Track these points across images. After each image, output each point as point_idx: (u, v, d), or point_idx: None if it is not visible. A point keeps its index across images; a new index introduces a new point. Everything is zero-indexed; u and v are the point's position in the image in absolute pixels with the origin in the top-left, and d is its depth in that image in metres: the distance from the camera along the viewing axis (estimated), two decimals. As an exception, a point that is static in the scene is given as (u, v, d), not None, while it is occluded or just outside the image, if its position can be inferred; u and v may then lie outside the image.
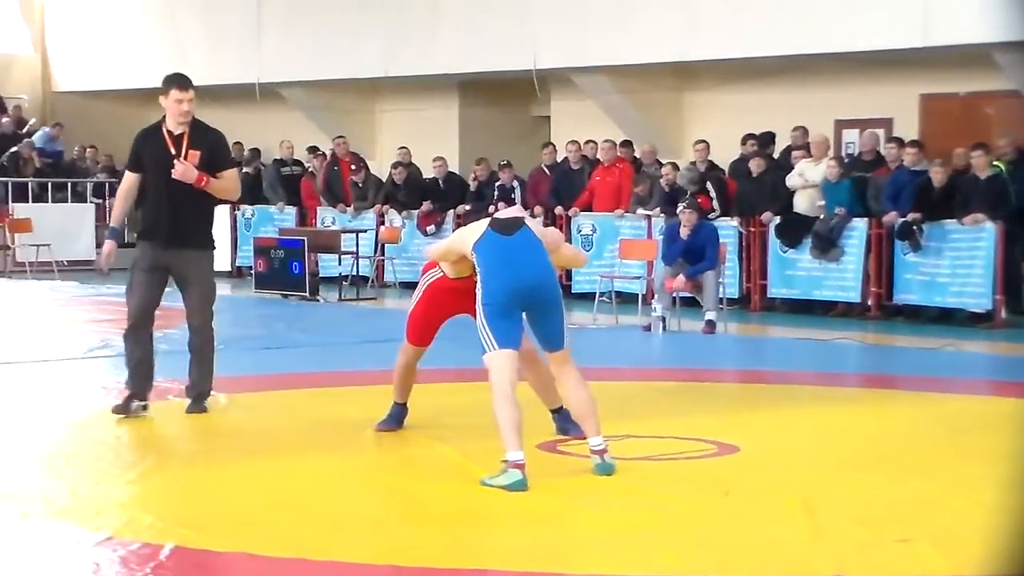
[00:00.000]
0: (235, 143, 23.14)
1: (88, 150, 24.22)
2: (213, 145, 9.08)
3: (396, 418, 8.44)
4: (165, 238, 8.76)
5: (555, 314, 7.25)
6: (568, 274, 17.83)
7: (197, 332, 9.01)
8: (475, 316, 7.26)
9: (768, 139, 17.63)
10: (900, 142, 16.16)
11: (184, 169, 8.71)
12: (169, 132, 8.96)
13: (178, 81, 9.16)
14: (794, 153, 16.78)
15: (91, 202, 23.23)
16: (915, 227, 15.07)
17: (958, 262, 15.00)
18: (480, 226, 7.30)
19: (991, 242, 14.71)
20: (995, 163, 15.24)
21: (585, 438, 7.34)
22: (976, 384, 11.29)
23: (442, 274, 7.97)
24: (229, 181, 9.00)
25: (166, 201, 8.75)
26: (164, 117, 9.10)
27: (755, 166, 16.72)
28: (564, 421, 8.06)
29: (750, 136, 17.44)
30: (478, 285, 7.21)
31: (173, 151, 8.81)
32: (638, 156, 18.50)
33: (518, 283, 7.12)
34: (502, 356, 7.04)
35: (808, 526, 6.19)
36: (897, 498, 6.80)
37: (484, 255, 7.18)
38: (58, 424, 8.86)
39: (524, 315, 7.25)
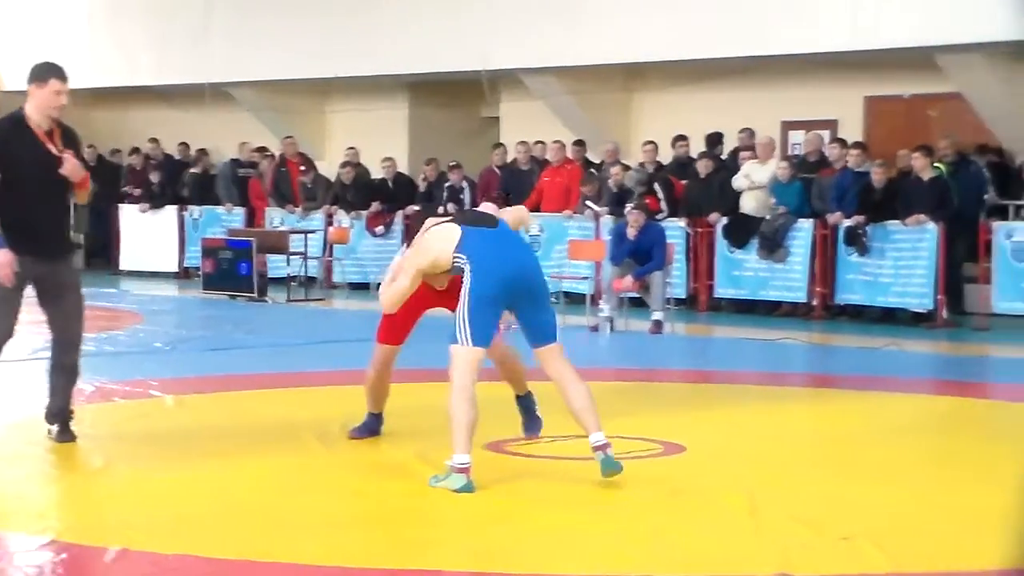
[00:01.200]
0: (181, 143, 23.11)
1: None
2: (78, 142, 8.02)
3: (370, 428, 8.20)
4: (42, 248, 7.73)
5: (546, 305, 7.23)
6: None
7: (74, 347, 8.09)
8: (452, 309, 7.23)
9: (716, 139, 17.74)
10: (843, 143, 16.32)
11: (73, 166, 7.72)
12: (38, 127, 7.80)
13: (58, 71, 7.92)
14: (741, 154, 16.90)
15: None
16: (860, 231, 15.22)
17: (901, 263, 15.16)
18: (450, 229, 7.15)
19: (933, 243, 14.88)
20: (936, 164, 15.42)
21: (535, 439, 7.40)
22: (918, 383, 11.41)
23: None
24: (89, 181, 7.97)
25: (41, 205, 7.71)
26: (22, 110, 7.89)
27: (703, 167, 16.81)
28: (528, 415, 8.08)
29: (680, 137, 17.55)
30: (466, 277, 7.05)
31: (51, 148, 7.73)
32: (590, 158, 18.56)
33: (511, 274, 7.07)
34: (473, 353, 6.99)
35: (752, 525, 6.26)
36: (839, 496, 6.88)
37: (473, 251, 7.07)
38: (1, 426, 8.80)
39: (513, 311, 7.17)
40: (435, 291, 7.75)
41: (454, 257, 7.12)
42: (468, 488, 6.80)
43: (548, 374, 7.25)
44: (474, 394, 6.97)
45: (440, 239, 7.19)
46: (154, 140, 23.10)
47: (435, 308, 7.91)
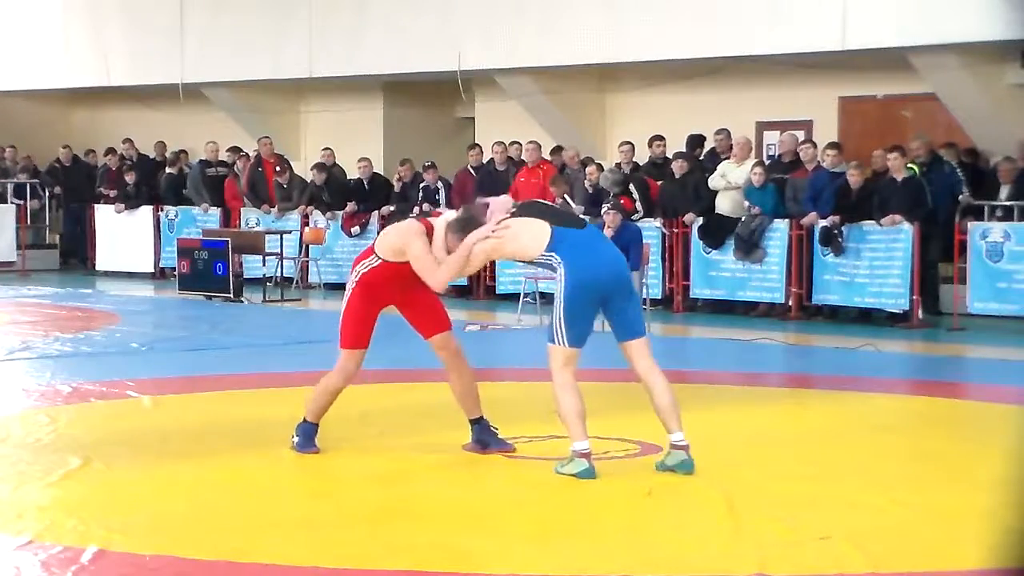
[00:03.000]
0: (158, 142, 23.04)
1: (8, 150, 23.93)
2: None
3: (311, 436, 7.93)
4: None
5: (633, 300, 7.44)
6: (492, 274, 17.89)
7: None
8: (404, 307, 7.26)
9: (697, 141, 17.76)
10: (815, 144, 16.38)
11: None
12: None
13: None
14: (722, 156, 16.94)
15: (12, 203, 22.97)
16: (836, 232, 15.27)
17: (876, 263, 15.22)
18: (542, 227, 7.23)
19: (908, 243, 14.94)
20: (909, 165, 15.48)
21: (507, 452, 7.50)
22: (893, 383, 11.46)
23: (375, 265, 7.70)
24: None
25: None
26: None
27: (678, 168, 16.84)
28: (483, 433, 7.90)
29: (657, 138, 17.58)
30: (560, 278, 7.15)
31: None
32: (566, 160, 18.58)
33: (604, 276, 7.22)
34: (570, 354, 7.23)
35: (730, 525, 6.28)
36: (817, 496, 6.90)
37: (566, 253, 7.18)
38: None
39: (603, 308, 7.30)
40: (392, 289, 7.72)
41: (542, 255, 7.26)
42: (589, 473, 7.04)
43: (635, 369, 7.41)
44: (576, 385, 7.20)
45: (531, 235, 7.30)
46: (128, 141, 23.02)
47: (391, 305, 7.87)
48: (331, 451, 7.96)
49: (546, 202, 7.54)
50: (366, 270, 7.76)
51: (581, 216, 7.54)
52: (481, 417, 7.92)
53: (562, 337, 7.21)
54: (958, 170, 15.85)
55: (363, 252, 7.96)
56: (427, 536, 6.16)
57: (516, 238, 7.35)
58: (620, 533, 6.19)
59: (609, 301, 7.28)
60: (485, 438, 7.90)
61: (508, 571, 5.57)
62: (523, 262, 7.61)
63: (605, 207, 15.09)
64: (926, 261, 15.16)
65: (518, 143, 18.92)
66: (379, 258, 7.73)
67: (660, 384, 7.34)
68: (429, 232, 7.61)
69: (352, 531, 6.20)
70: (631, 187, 16.85)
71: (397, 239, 7.68)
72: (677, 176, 16.88)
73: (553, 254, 7.23)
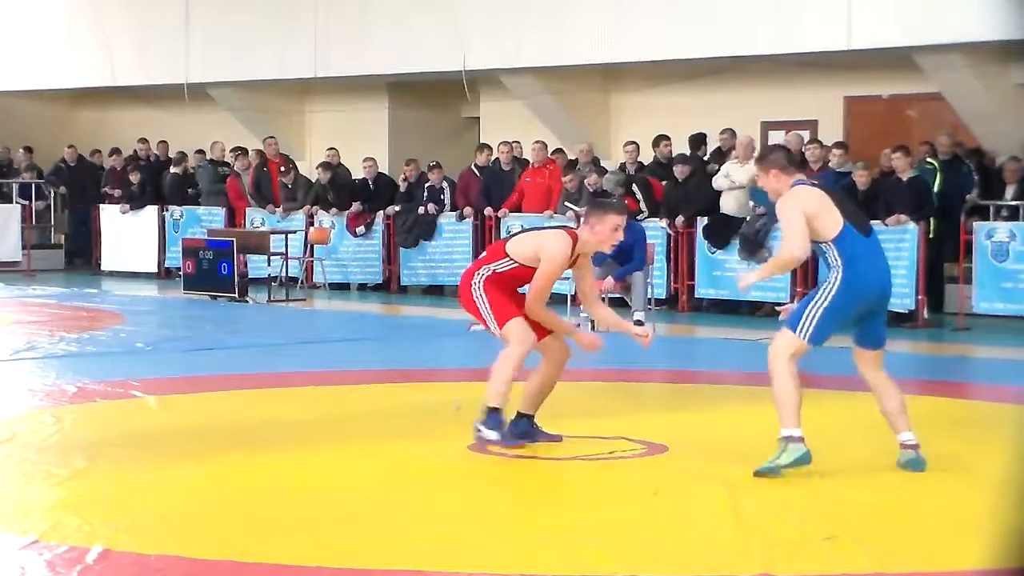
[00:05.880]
0: (160, 142, 23.04)
1: (22, 151, 23.95)
2: None
3: (501, 422, 7.89)
4: None
5: (884, 314, 7.50)
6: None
7: None
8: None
9: (699, 140, 17.76)
10: (821, 144, 16.36)
11: None
12: None
13: None
14: (732, 154, 16.93)
15: (17, 203, 23.00)
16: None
17: (882, 263, 15.19)
18: (835, 215, 7.20)
19: (914, 243, 14.92)
20: (928, 160, 15.48)
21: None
22: (898, 383, 11.40)
23: (507, 268, 7.74)
24: None
25: None
26: None
27: (679, 172, 16.79)
28: (530, 426, 7.99)
29: (663, 137, 17.57)
30: (838, 279, 7.15)
31: None
32: (572, 157, 18.57)
33: (878, 293, 7.32)
34: (802, 349, 7.30)
35: (735, 524, 6.26)
36: (823, 496, 6.90)
37: (851, 255, 7.17)
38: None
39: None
40: (512, 288, 7.82)
41: (825, 245, 7.19)
42: (806, 457, 7.12)
43: (865, 375, 7.56)
44: (796, 376, 7.26)
45: (826, 214, 7.19)
46: (143, 140, 22.98)
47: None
48: (332, 451, 7.96)
49: (851, 203, 7.53)
50: (491, 273, 7.80)
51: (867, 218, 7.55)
52: (533, 415, 8.01)
53: (807, 330, 7.22)
54: (974, 173, 15.82)
55: (485, 257, 7.96)
56: (432, 536, 6.15)
57: (813, 206, 7.18)
58: (626, 533, 6.18)
59: (866, 313, 7.34)
60: (530, 431, 8.00)
61: (512, 571, 5.56)
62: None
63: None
64: (936, 261, 15.17)
65: (519, 143, 18.94)
66: (514, 261, 7.77)
67: (889, 391, 7.50)
68: (574, 242, 7.72)
69: (358, 531, 6.20)
70: (634, 187, 16.84)
71: (540, 246, 7.69)
72: (680, 180, 16.84)
73: (835, 248, 7.18)
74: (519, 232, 8.05)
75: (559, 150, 18.81)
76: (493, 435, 7.66)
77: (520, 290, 7.97)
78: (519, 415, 8.01)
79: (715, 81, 18.63)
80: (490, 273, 7.81)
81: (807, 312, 7.23)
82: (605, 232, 7.74)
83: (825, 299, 7.19)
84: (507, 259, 7.79)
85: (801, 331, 7.24)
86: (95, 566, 5.56)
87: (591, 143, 18.62)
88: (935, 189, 15.51)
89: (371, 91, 21.94)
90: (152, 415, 9.16)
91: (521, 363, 7.74)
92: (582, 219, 8.03)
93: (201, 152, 22.19)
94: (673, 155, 17.41)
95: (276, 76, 21.60)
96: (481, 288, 7.79)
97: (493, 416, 7.70)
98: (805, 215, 7.20)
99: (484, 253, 8.13)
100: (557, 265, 7.67)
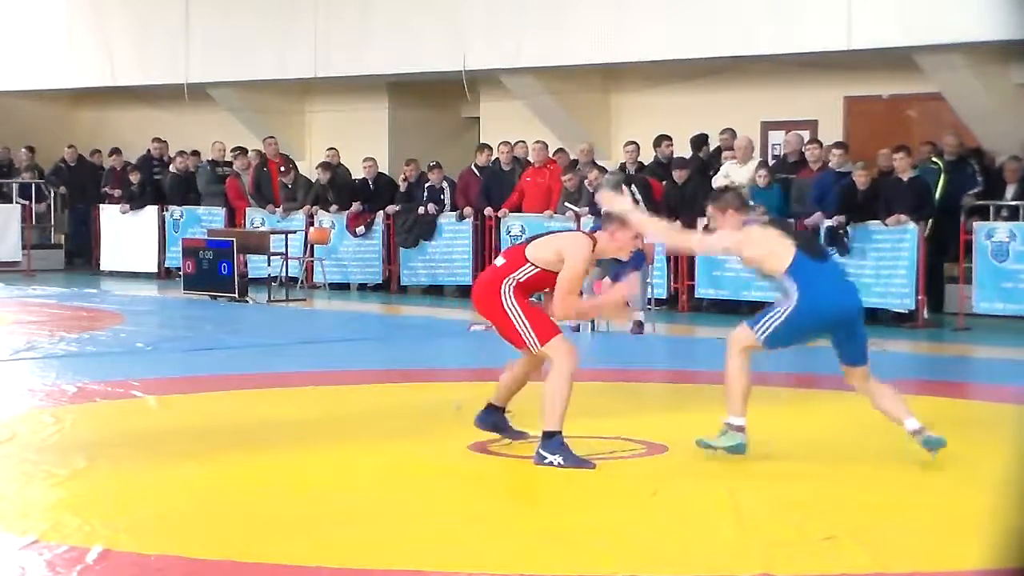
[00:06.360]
0: (159, 140, 23.02)
1: (22, 151, 23.94)
2: None
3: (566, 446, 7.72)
4: None
5: (860, 331, 7.67)
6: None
7: None
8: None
9: (701, 141, 17.74)
10: (821, 144, 16.37)
11: None
12: None
13: None
14: (724, 154, 16.93)
15: (17, 203, 23.00)
16: (841, 232, 15.26)
17: (882, 263, 15.20)
18: (786, 247, 7.49)
19: (914, 243, 14.92)
20: (933, 160, 15.48)
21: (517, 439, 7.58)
22: (899, 383, 11.40)
23: (532, 274, 7.65)
24: None
25: None
26: None
27: (679, 177, 16.76)
28: (500, 418, 8.05)
29: (665, 138, 17.56)
30: (794, 303, 7.42)
31: None
32: (574, 157, 18.57)
33: (835, 317, 7.55)
34: (755, 346, 7.60)
35: (735, 524, 6.27)
36: (822, 496, 6.90)
37: (806, 284, 7.44)
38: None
39: (831, 335, 7.62)
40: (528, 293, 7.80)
41: (779, 277, 7.50)
42: (741, 448, 7.41)
43: (857, 389, 7.80)
44: (746, 366, 7.62)
45: (773, 253, 7.53)
46: (157, 140, 22.91)
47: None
48: (332, 451, 7.96)
49: (805, 232, 7.89)
50: (522, 279, 7.68)
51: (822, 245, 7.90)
52: (505, 407, 8.05)
53: (765, 331, 7.49)
54: (979, 175, 15.82)
55: (506, 265, 7.80)
56: (432, 536, 6.15)
57: (760, 245, 7.58)
58: (626, 533, 6.18)
59: (833, 334, 7.60)
60: (499, 422, 8.05)
61: (512, 571, 5.56)
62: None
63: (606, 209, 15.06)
64: (936, 260, 15.18)
65: (523, 143, 18.94)
66: (535, 267, 7.68)
67: (882, 388, 7.71)
68: (593, 246, 7.74)
69: (357, 531, 6.20)
70: (632, 188, 16.82)
71: (564, 247, 7.65)
72: (679, 184, 16.83)
73: (790, 278, 7.46)
74: (535, 237, 8.00)
75: (561, 150, 18.81)
76: (558, 459, 7.39)
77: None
78: (490, 406, 8.06)
79: (715, 81, 18.63)
80: (516, 283, 7.65)
81: (769, 316, 7.55)
82: (626, 239, 7.73)
83: (784, 314, 7.50)
84: (528, 265, 7.69)
85: (758, 330, 7.55)
86: (95, 566, 5.56)
87: (591, 143, 18.63)
88: (939, 189, 15.52)
89: (371, 91, 21.94)
90: (152, 415, 9.16)
91: (572, 379, 7.54)
92: (583, 225, 8.04)
93: (196, 154, 22.18)
94: (674, 156, 17.40)
95: (276, 76, 21.60)
96: (513, 300, 7.60)
97: (555, 440, 7.45)
98: (749, 256, 7.67)
99: (502, 259, 7.92)
100: (581, 268, 7.62)
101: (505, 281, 7.67)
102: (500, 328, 7.73)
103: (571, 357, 7.53)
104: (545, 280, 7.73)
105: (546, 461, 7.38)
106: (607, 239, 7.76)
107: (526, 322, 7.56)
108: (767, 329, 7.52)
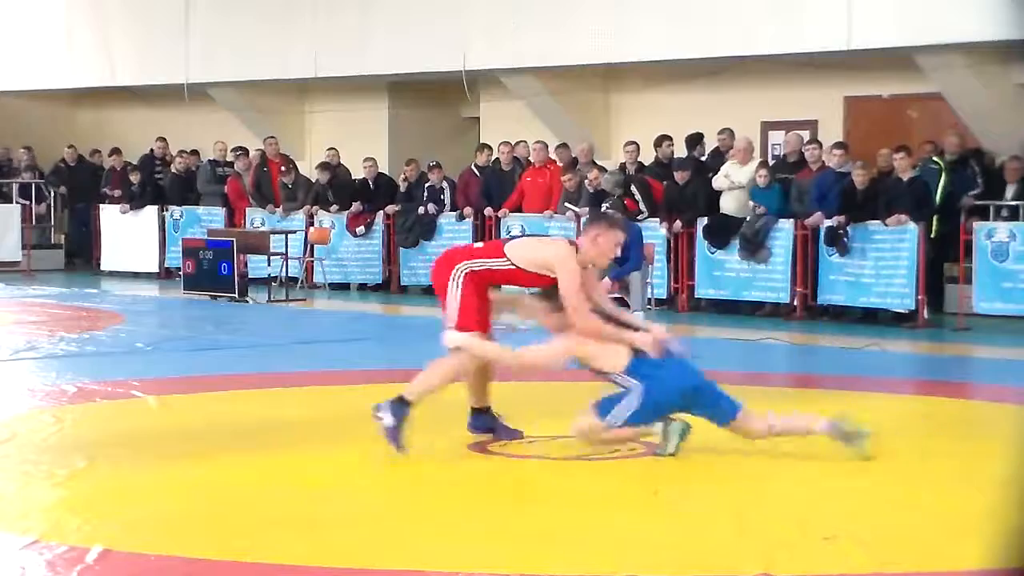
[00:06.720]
0: (162, 139, 23.03)
1: (22, 151, 23.94)
2: None
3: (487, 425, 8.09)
4: None
5: (714, 398, 7.67)
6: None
7: None
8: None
9: (696, 140, 17.75)
10: (821, 144, 16.37)
11: None
12: None
13: None
14: (729, 154, 16.92)
15: (17, 203, 23.00)
16: (841, 232, 15.26)
17: (882, 263, 15.20)
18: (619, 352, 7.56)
19: (914, 243, 14.92)
20: (935, 160, 15.48)
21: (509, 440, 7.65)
22: (899, 383, 11.44)
23: (501, 268, 7.72)
24: None
25: None
26: None
27: (679, 178, 16.76)
28: (491, 419, 8.07)
29: (665, 138, 17.56)
30: (639, 393, 7.49)
31: None
32: (574, 155, 18.57)
33: (679, 402, 7.63)
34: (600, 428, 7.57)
35: (735, 524, 6.26)
36: (822, 496, 6.90)
37: (647, 377, 7.53)
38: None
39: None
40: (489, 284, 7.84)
41: (619, 375, 7.54)
42: (685, 430, 7.59)
43: (751, 436, 7.73)
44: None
45: (609, 355, 7.55)
46: (161, 139, 22.92)
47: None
48: (332, 451, 7.96)
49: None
50: (483, 268, 7.73)
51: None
52: (488, 407, 8.07)
53: (619, 417, 7.53)
54: (979, 176, 15.82)
55: (480, 250, 7.93)
56: (432, 536, 6.15)
57: (594, 346, 7.59)
58: (626, 533, 6.18)
59: (688, 408, 7.63)
60: (491, 424, 8.07)
61: (512, 571, 5.56)
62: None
63: (605, 207, 15.07)
64: (936, 261, 15.18)
65: (524, 143, 18.94)
66: (511, 263, 7.70)
67: (765, 418, 7.71)
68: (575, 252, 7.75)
69: (357, 530, 6.20)
70: (632, 188, 16.83)
71: (552, 259, 7.64)
72: (679, 184, 16.82)
73: (628, 377, 7.52)
74: (517, 236, 8.04)
75: (562, 145, 18.76)
76: (390, 420, 7.58)
77: (511, 288, 7.96)
78: (474, 410, 8.07)
79: (715, 81, 18.62)
80: (481, 268, 7.71)
81: (621, 403, 7.56)
82: (608, 246, 7.70)
83: (635, 402, 7.54)
84: (504, 259, 7.72)
85: (613, 419, 7.57)
86: (95, 566, 5.56)
87: (591, 143, 18.63)
88: (940, 189, 15.52)
89: (371, 91, 21.93)
90: (152, 415, 9.16)
91: (452, 380, 7.78)
92: (583, 225, 8.05)
93: (196, 153, 22.19)
94: (675, 156, 17.40)
95: (276, 76, 21.60)
96: (460, 280, 7.71)
97: (401, 406, 7.63)
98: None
99: (480, 244, 8.03)
100: (577, 278, 7.60)
101: (468, 263, 7.76)
102: (441, 302, 7.85)
103: (462, 362, 7.69)
104: (516, 279, 7.72)
105: (378, 415, 7.59)
106: (588, 243, 7.73)
107: (457, 304, 7.70)
108: (622, 417, 7.54)
